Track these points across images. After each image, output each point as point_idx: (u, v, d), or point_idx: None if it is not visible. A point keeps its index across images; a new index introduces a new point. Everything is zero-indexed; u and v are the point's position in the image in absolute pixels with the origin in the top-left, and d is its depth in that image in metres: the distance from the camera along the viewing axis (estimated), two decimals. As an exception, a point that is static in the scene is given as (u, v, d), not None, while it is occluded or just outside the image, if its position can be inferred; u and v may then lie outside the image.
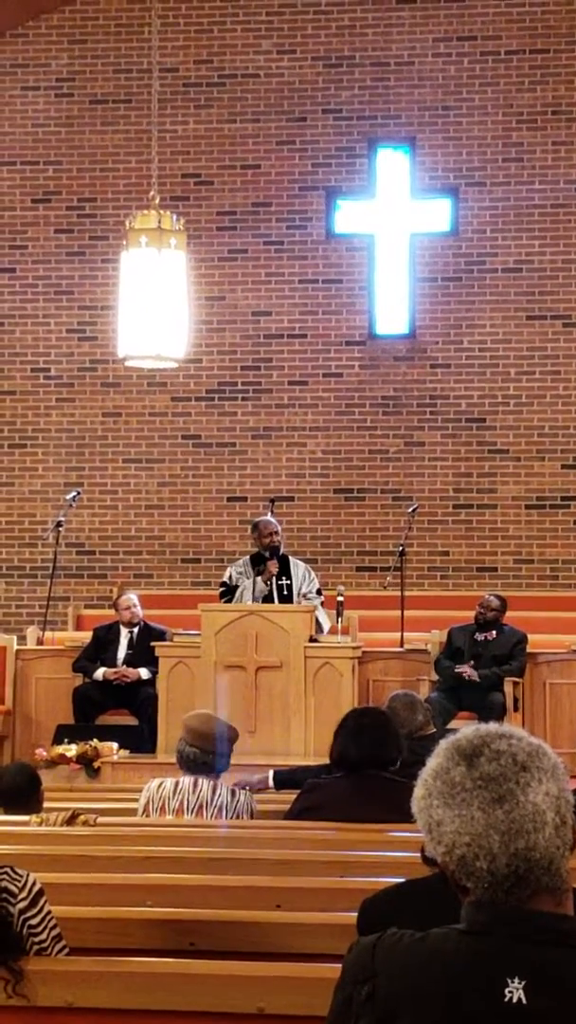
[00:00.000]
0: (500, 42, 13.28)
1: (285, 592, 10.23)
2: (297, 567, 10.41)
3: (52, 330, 13.67)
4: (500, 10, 13.29)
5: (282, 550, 10.46)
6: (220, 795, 5.85)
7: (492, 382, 13.18)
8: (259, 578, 10.14)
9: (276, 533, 10.37)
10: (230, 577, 10.43)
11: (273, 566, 10.20)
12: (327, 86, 13.48)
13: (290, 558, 10.49)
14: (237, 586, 10.32)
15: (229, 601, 10.23)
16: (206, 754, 5.90)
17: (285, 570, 10.28)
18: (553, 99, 13.23)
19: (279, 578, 10.22)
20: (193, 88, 13.60)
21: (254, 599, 10.09)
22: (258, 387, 13.44)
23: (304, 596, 10.26)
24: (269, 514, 11.07)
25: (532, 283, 13.17)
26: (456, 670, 10.45)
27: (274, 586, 10.19)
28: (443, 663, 10.63)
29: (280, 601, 10.15)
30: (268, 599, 10.17)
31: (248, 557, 10.54)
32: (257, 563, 10.27)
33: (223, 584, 10.49)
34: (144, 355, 9.98)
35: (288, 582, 10.23)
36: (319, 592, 10.37)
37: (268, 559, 10.23)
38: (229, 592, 10.33)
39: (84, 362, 13.61)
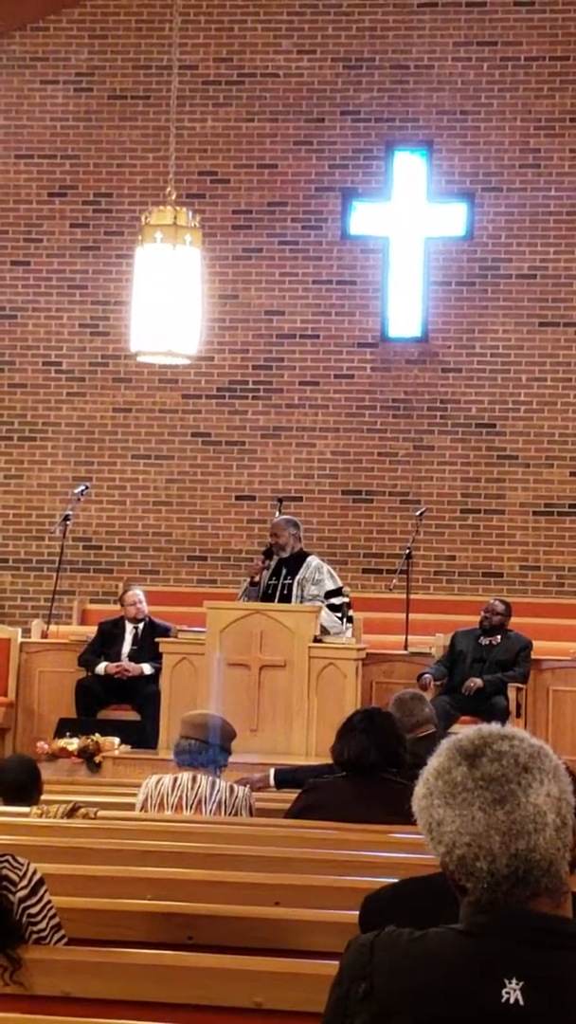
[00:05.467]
0: (520, 48, 13.28)
1: (285, 591, 10.23)
2: (307, 567, 10.34)
3: (64, 324, 13.68)
4: (521, 16, 13.29)
5: (287, 552, 10.41)
6: (219, 791, 5.84)
7: (503, 388, 13.18)
8: (245, 577, 10.25)
9: (276, 535, 10.38)
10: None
11: (256, 565, 10.27)
12: (346, 87, 13.48)
13: (307, 559, 10.41)
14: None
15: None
16: (201, 743, 5.90)
17: (295, 569, 10.28)
18: (572, 106, 13.22)
19: (285, 577, 10.23)
20: (212, 86, 13.61)
21: (244, 596, 10.19)
22: (269, 386, 13.44)
23: (308, 596, 10.22)
24: (277, 513, 11.08)
25: (546, 290, 13.17)
26: (463, 690, 10.44)
27: (280, 584, 10.19)
28: (440, 669, 10.65)
29: (280, 599, 10.16)
30: (269, 596, 10.19)
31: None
32: (269, 558, 10.35)
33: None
34: (156, 351, 9.98)
35: (289, 581, 10.23)
36: (329, 595, 10.26)
37: (264, 558, 10.32)
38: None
39: (96, 357, 13.62)
